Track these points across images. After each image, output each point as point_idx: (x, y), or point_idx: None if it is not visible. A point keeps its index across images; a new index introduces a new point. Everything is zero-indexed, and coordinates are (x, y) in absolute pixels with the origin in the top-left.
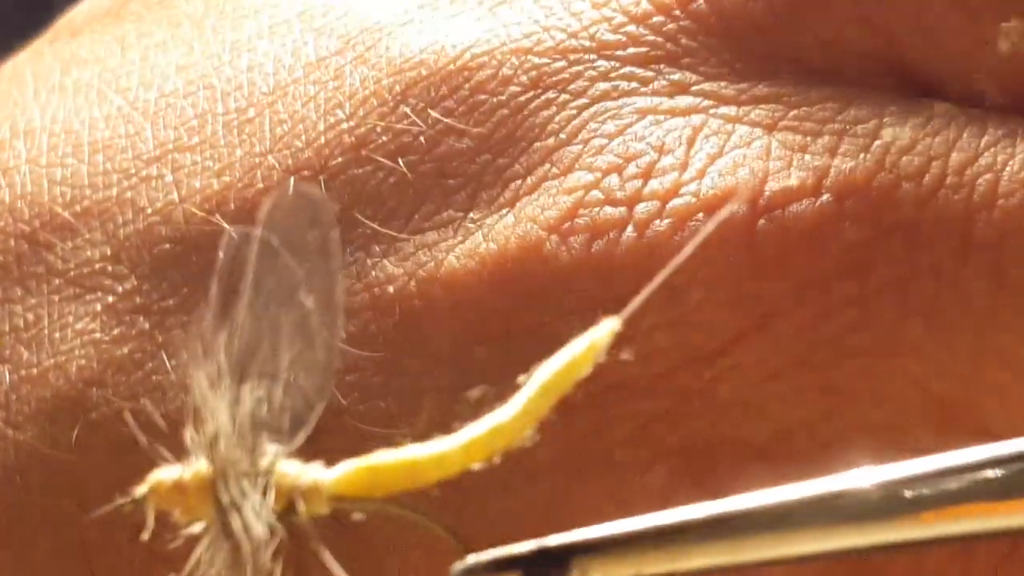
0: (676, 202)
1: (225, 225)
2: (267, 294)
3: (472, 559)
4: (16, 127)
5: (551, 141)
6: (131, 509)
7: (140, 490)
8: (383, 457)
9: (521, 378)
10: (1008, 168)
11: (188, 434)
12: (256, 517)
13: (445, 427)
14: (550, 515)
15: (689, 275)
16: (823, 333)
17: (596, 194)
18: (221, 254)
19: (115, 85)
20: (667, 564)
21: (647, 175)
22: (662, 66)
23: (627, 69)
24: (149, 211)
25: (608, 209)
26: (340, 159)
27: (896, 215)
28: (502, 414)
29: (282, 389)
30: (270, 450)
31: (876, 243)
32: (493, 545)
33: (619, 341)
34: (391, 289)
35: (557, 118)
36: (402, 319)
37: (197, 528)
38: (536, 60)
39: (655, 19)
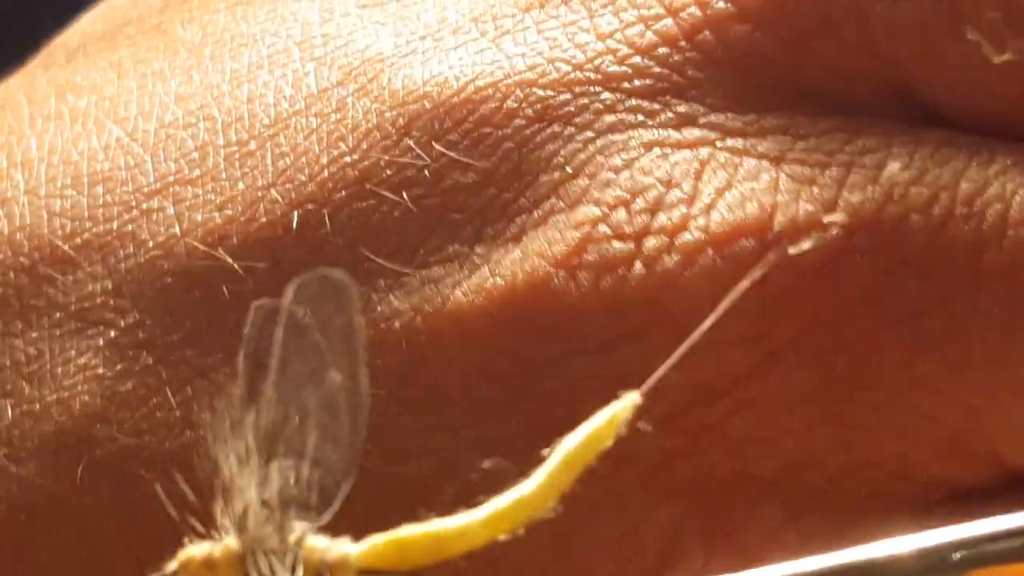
0: (684, 237)
1: (228, 259)
2: (294, 371)
3: None
4: (13, 156)
5: (557, 175)
6: None
7: (170, 567)
8: (409, 531)
9: (545, 451)
10: (1017, 197)
11: (217, 510)
12: None
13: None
14: (560, 554)
15: (699, 312)
16: (834, 368)
17: (604, 229)
18: (248, 328)
19: (113, 115)
20: None
21: (655, 209)
22: (668, 98)
23: (633, 102)
24: (150, 244)
25: (616, 244)
26: (344, 192)
27: (906, 248)
28: (525, 487)
29: (309, 465)
30: (298, 526)
31: (887, 277)
32: None
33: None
34: (397, 325)
35: (563, 151)
36: (408, 355)
37: None
38: (541, 93)
39: (660, 50)
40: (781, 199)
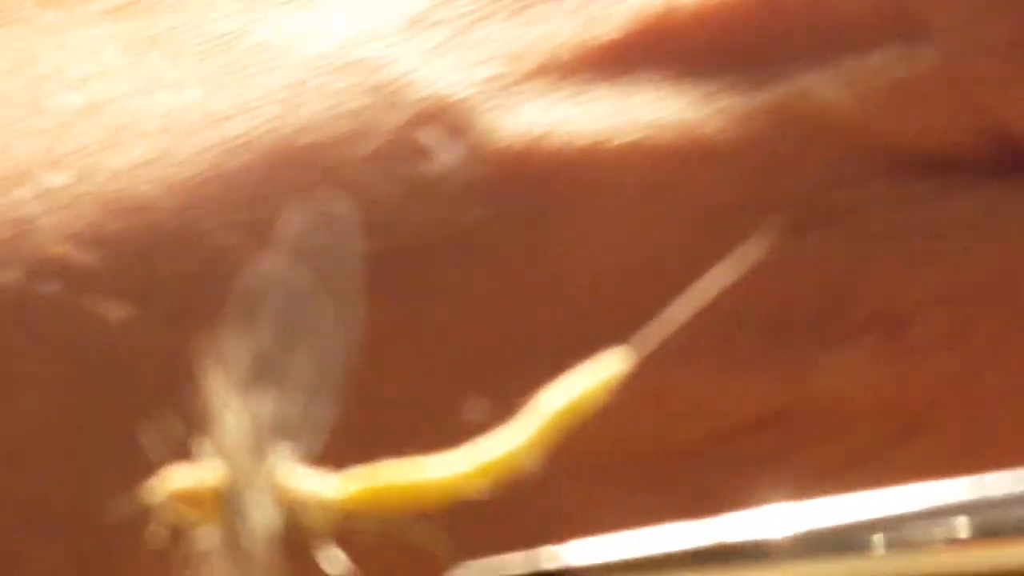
0: None
1: None
2: (285, 302)
3: (464, 570)
4: None
5: None
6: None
7: (155, 498)
8: (393, 474)
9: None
10: None
11: (203, 441)
12: (265, 527)
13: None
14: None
15: None
16: None
17: None
18: (240, 264)
19: None
20: None
21: None
22: None
23: None
24: None
25: None
26: None
27: None
28: (516, 438)
29: (298, 397)
30: (283, 459)
31: None
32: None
33: None
34: None
35: None
36: None
37: (204, 535)
38: None
39: None
40: None
